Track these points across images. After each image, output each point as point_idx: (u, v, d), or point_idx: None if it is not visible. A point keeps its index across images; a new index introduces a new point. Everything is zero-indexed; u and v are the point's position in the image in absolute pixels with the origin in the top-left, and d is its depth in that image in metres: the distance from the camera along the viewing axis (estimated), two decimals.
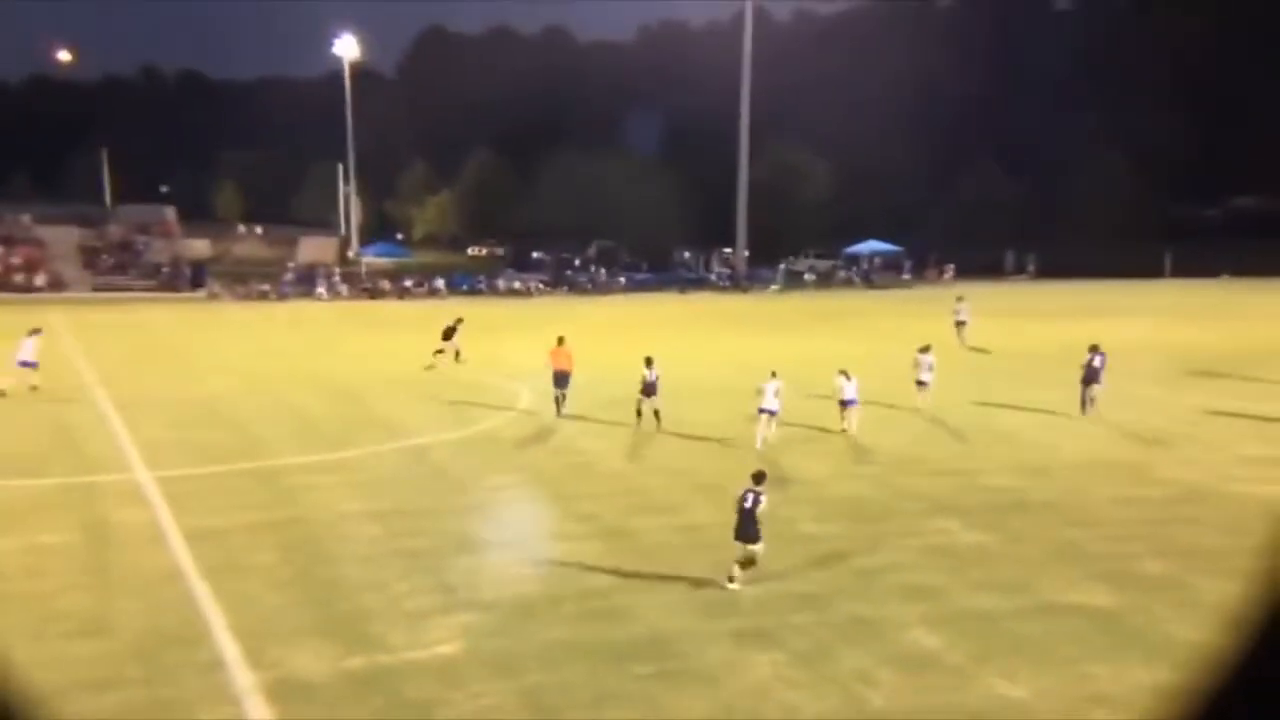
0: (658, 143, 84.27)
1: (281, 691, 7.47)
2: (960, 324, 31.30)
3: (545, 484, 14.19)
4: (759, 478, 10.21)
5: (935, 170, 74.19)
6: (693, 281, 65.84)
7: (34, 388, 21.09)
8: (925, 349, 20.31)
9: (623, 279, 64.71)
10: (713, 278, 67.85)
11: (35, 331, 22.07)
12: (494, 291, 60.51)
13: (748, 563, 9.75)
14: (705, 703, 7.19)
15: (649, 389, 18.20)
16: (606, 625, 8.75)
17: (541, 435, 17.84)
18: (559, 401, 20.10)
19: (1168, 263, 60.36)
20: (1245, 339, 27.42)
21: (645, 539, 11.43)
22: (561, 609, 9.19)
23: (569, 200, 79.99)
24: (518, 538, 11.53)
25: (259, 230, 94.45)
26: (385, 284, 60.19)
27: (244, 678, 7.68)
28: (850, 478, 14.21)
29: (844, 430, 17.59)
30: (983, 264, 69.10)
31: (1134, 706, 6.88)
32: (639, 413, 18.25)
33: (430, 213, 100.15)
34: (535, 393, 22.42)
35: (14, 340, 21.82)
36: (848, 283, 66.87)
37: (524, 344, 34.12)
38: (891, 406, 19.65)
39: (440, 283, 59.92)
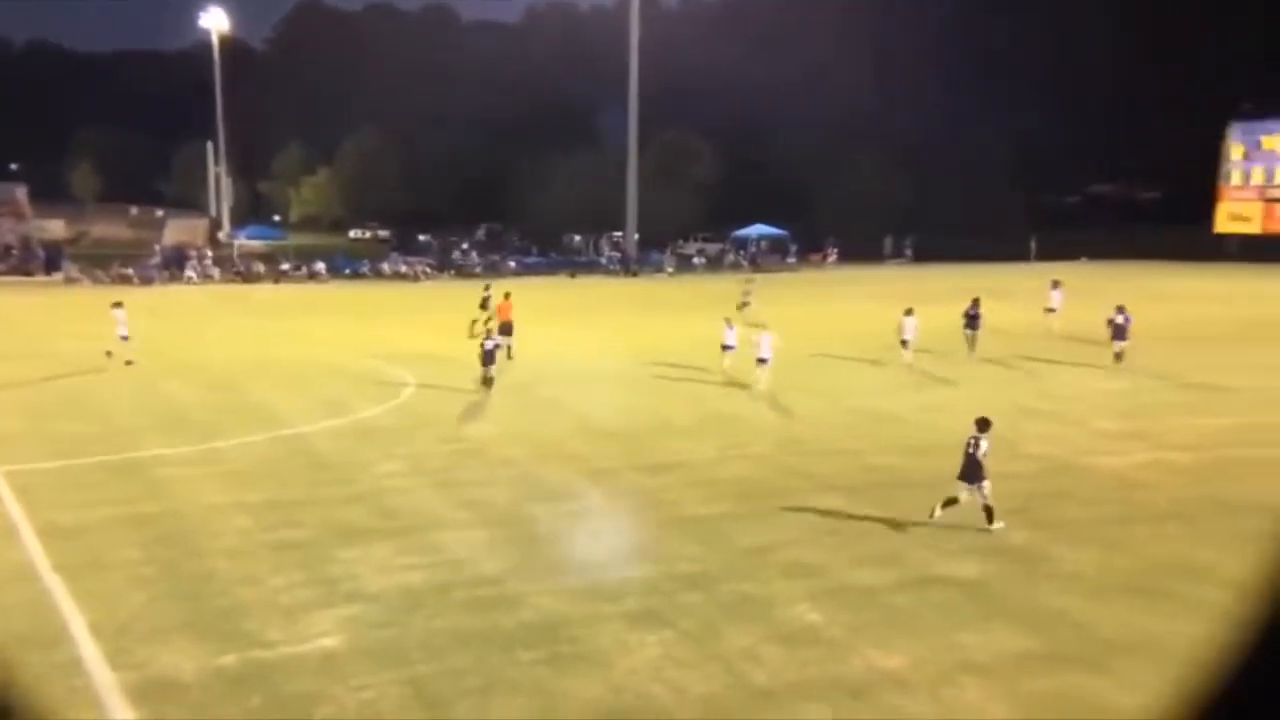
0: (548, 125, 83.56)
1: (148, 692, 7.09)
2: (744, 305, 32.89)
3: (432, 472, 13.89)
4: (983, 424, 10.98)
5: (820, 157, 75.96)
6: (583, 265, 65.71)
7: None
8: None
9: (512, 262, 64.05)
10: (603, 261, 67.86)
11: None
12: (378, 275, 58.96)
13: (952, 502, 10.75)
14: (596, 685, 7.17)
15: (488, 358, 19.86)
16: (496, 613, 8.63)
17: (428, 422, 17.46)
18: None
19: (1033, 247, 63.45)
20: (1099, 320, 29.11)
21: (537, 526, 11.34)
22: (449, 598, 9.02)
23: (456, 183, 78.51)
24: (404, 528, 11.25)
25: (124, 211, 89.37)
26: (260, 267, 57.82)
27: (106, 678, 7.25)
28: (738, 459, 14.42)
29: (755, 385, 19.52)
30: (864, 248, 71.25)
31: (1000, 672, 7.20)
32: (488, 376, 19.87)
33: (308, 194, 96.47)
34: (422, 379, 21.93)
35: None
36: (736, 266, 67.93)
37: (410, 329, 33.37)
38: (787, 388, 20.02)
39: (321, 266, 57.98)
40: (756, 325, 28.34)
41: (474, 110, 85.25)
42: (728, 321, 22.51)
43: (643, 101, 65.38)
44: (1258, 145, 61.98)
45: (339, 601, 8.93)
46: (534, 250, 69.82)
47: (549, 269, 63.21)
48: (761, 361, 19.60)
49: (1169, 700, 6.08)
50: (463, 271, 61.31)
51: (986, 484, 10.70)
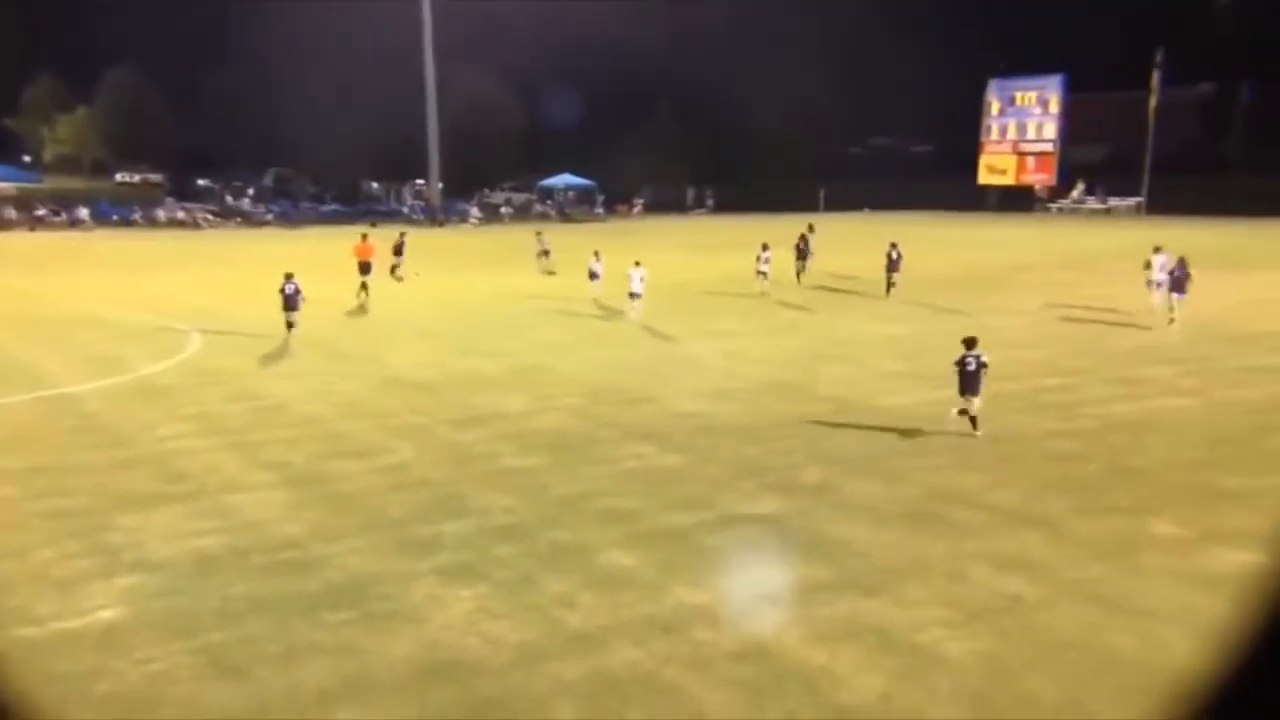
0: (340, 68, 79.02)
1: None
2: (544, 253, 34.21)
3: (225, 432, 13.08)
4: (970, 343, 12.60)
5: (624, 106, 76.26)
6: (385, 214, 63.23)
7: None
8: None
9: (306, 210, 60.67)
10: (406, 210, 65.58)
11: None
12: (153, 223, 54.29)
13: (964, 412, 12.39)
14: (408, 643, 7.06)
15: (289, 303, 20.00)
16: (299, 576, 8.29)
17: (218, 379, 16.39)
18: (365, 288, 25.40)
19: (822, 197, 66.82)
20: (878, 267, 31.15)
21: (342, 484, 10.94)
22: (247, 562, 8.57)
23: (238, 125, 73.04)
24: (194, 491, 10.55)
25: None
26: (11, 213, 51.90)
27: None
28: (550, 410, 14.46)
29: (628, 314, 22.08)
30: (667, 199, 72.65)
31: (795, 600, 7.68)
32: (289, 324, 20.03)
33: (64, 133, 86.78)
34: (210, 334, 20.51)
35: None
36: (544, 216, 67.48)
37: (193, 281, 31.01)
38: (594, 339, 20.15)
39: (84, 212, 52.71)
40: (549, 272, 29.19)
41: (255, 44, 79.34)
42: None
43: (444, 46, 63.13)
44: (1012, 101, 67.50)
45: (120, 571, 8.29)
46: (330, 198, 66.43)
47: (348, 218, 60.41)
48: (634, 295, 22.64)
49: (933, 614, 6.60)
50: (251, 220, 57.53)
51: (978, 400, 12.36)
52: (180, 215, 55.45)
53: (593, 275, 25.92)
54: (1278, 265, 29.25)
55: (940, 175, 70.50)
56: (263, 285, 21.37)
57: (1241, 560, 8.14)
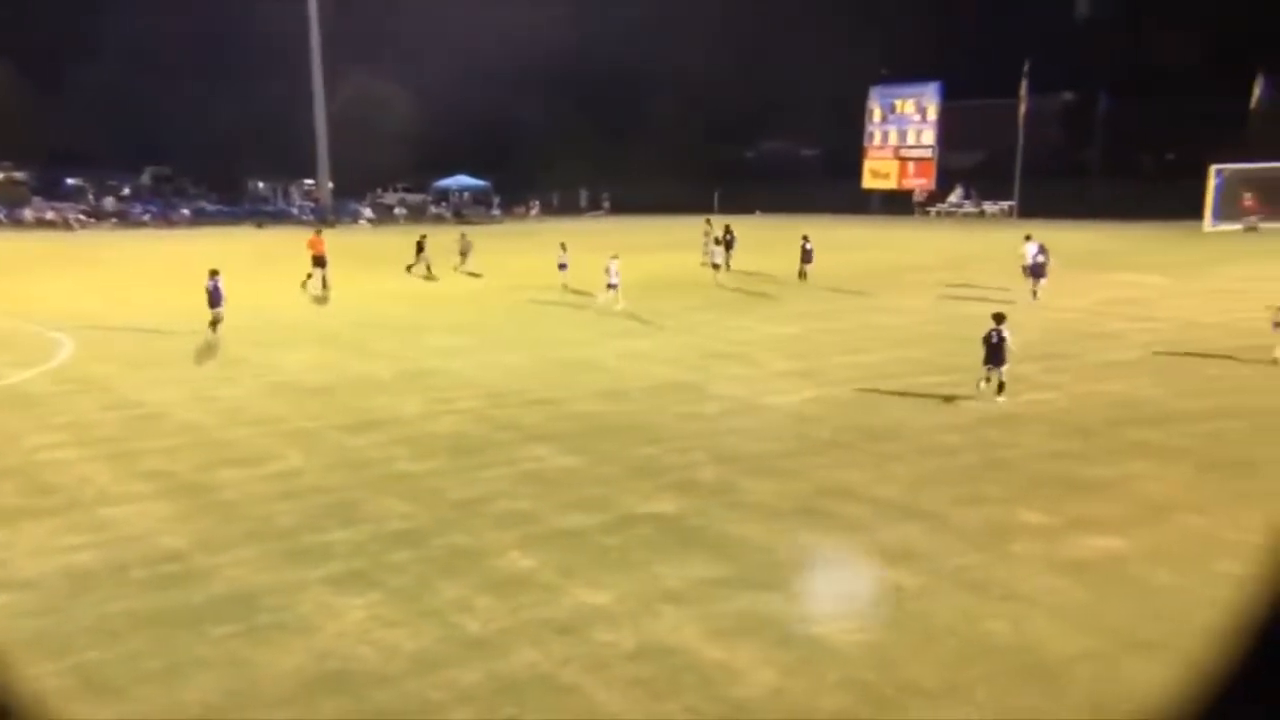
0: (223, 62, 76.02)
1: None
2: (463, 255, 35.03)
3: (99, 441, 12.48)
4: (999, 318, 14.50)
5: (521, 106, 75.72)
6: (272, 215, 61.16)
7: None
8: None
9: (187, 210, 58.20)
10: (295, 211, 63.59)
11: None
12: (18, 224, 51.22)
13: (988, 380, 14.29)
14: (297, 654, 6.90)
15: (213, 299, 20.11)
16: (182, 589, 8.00)
17: (92, 387, 15.62)
18: (322, 281, 27.69)
19: (716, 199, 67.80)
20: (782, 267, 31.87)
21: (227, 493, 10.58)
22: (126, 577, 8.22)
23: (111, 121, 69.35)
24: (66, 504, 10.04)
25: None
26: None
27: None
28: (446, 414, 14.30)
29: (613, 306, 23.85)
30: (563, 201, 72.54)
31: (694, 598, 7.83)
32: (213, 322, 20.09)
33: None
34: (82, 340, 19.51)
35: None
36: (439, 218, 66.48)
37: (65, 285, 29.39)
38: (493, 341, 20.00)
39: None
40: (474, 274, 29.29)
41: (131, 36, 75.58)
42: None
43: (332, 39, 61.47)
44: (892, 108, 69.92)
45: None
46: (213, 198, 63.88)
47: (232, 219, 58.22)
48: (612, 286, 24.53)
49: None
50: (127, 220, 54.84)
51: (1006, 367, 14.26)
52: (50, 215, 52.44)
53: (561, 266, 28.70)
54: (1135, 265, 31.17)
55: (827, 179, 72.50)
56: (140, 288, 20.41)
57: (1102, 545, 8.69)
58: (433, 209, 69.86)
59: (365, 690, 6.44)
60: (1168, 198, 47.18)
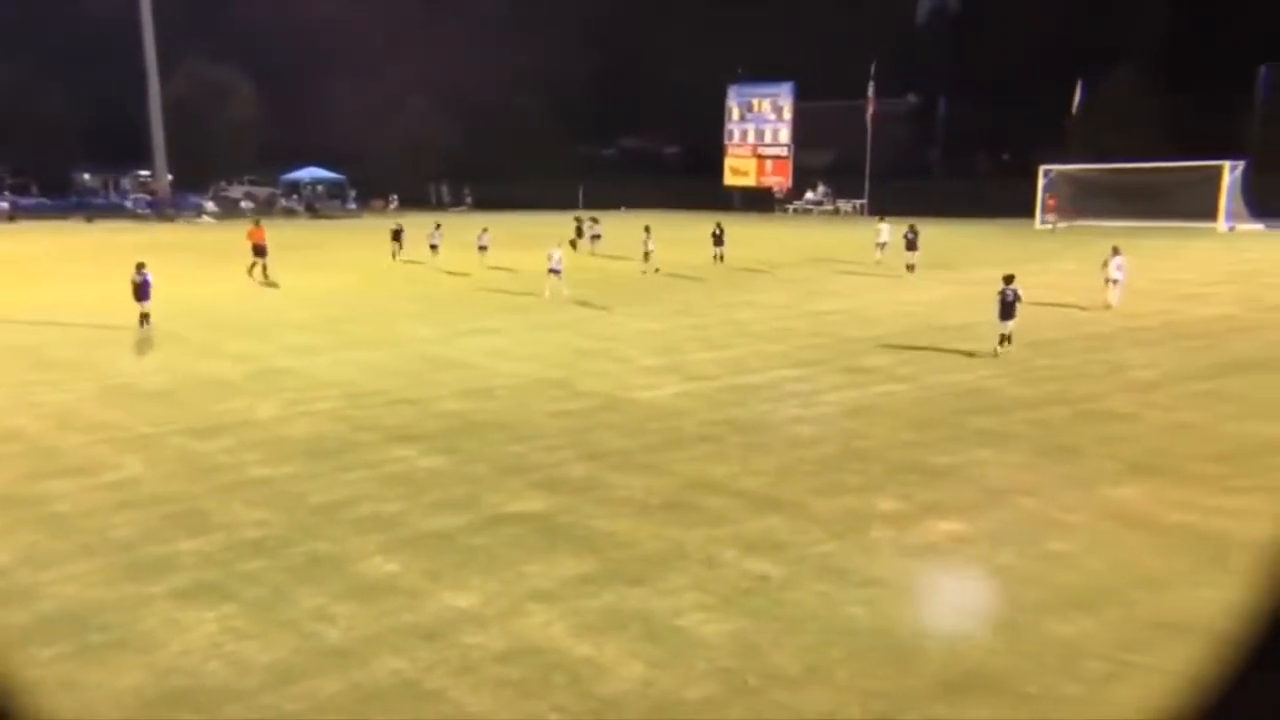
0: (44, 43, 70.51)
1: None
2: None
3: None
4: (1009, 279, 17.10)
5: (376, 97, 73.57)
6: (102, 209, 57.24)
7: None
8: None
9: (4, 204, 53.79)
10: (129, 204, 59.76)
11: None
12: None
13: (1007, 339, 16.80)
14: (137, 673, 6.47)
15: (140, 292, 20.21)
16: (3, 608, 7.37)
17: None
18: (263, 270, 29.86)
19: (581, 196, 67.88)
20: (636, 268, 32.15)
21: (57, 505, 9.83)
22: None
23: None
24: None
25: None
26: None
27: None
28: (303, 415, 13.74)
29: (560, 294, 24.81)
30: (423, 195, 70.97)
31: (562, 595, 7.80)
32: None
33: None
34: None
35: None
36: (290, 212, 63.84)
37: None
38: (353, 340, 19.33)
39: None
40: (271, 284, 28.47)
41: None
42: (484, 229, 31.00)
43: (165, 20, 57.95)
44: (750, 107, 71.71)
45: None
46: (34, 190, 59.24)
47: (58, 213, 54.15)
48: (554, 272, 25.41)
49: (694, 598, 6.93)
50: None
51: (1014, 321, 16.77)
52: None
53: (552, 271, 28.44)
54: (976, 262, 32.99)
55: (689, 176, 73.70)
56: None
57: (950, 529, 9.16)
58: (283, 203, 67.00)
59: (214, 706, 6.11)
60: (1003, 196, 50.23)
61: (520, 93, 74.82)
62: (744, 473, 11.01)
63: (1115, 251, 22.88)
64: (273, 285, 29.32)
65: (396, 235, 37.25)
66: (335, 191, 71.88)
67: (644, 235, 32.30)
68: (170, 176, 61.81)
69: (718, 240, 33.65)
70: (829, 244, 42.39)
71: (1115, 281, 22.46)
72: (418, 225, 42.47)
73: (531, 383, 15.96)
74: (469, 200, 74.61)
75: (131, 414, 13.70)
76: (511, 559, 8.56)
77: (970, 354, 17.66)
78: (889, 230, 32.94)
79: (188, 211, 58.67)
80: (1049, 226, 47.56)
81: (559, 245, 26.61)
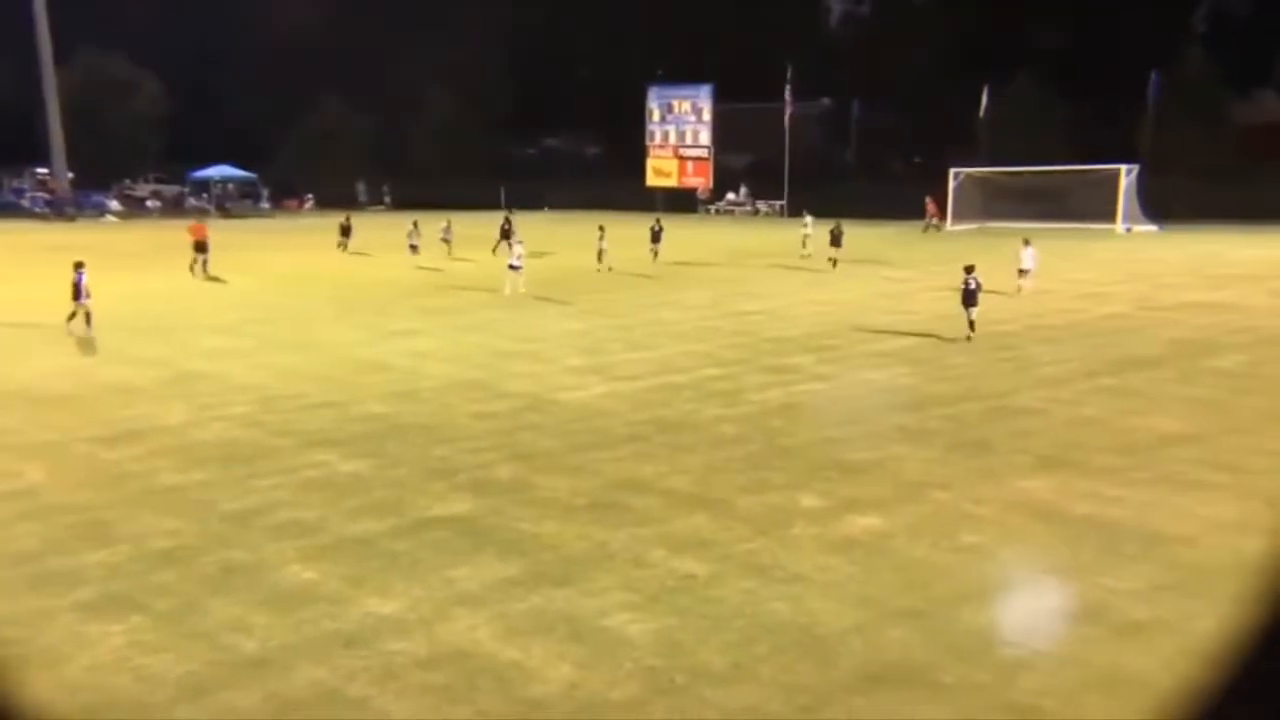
0: None
1: None
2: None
3: None
4: (970, 269, 18.67)
5: (283, 97, 71.67)
6: None
7: None
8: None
9: None
10: (24, 203, 57.10)
11: None
12: None
13: (972, 325, 18.37)
14: (41, 689, 6.22)
15: (78, 292, 19.75)
16: None
17: None
18: (204, 265, 29.87)
19: (503, 195, 67.34)
20: (560, 268, 32.09)
21: None
22: None
23: None
24: None
25: None
26: None
27: None
28: (216, 420, 13.33)
29: (516, 289, 25.11)
30: (338, 194, 69.48)
31: (488, 599, 7.75)
32: None
33: None
34: None
35: None
36: (201, 212, 61.90)
37: None
38: (269, 342, 18.82)
39: None
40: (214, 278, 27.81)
41: None
42: (512, 244, 27.69)
43: (61, 10, 55.50)
44: (670, 108, 72.12)
45: None
46: None
47: None
48: (514, 268, 25.55)
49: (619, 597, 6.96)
50: None
51: (976, 309, 18.39)
52: None
53: (413, 249, 30.08)
54: (891, 261, 33.86)
55: (611, 176, 73.76)
56: None
57: (869, 524, 9.38)
58: (192, 202, 64.85)
59: None
60: (916, 198, 51.53)
61: (438, 90, 73.84)
62: (670, 472, 11.08)
63: (1026, 243, 25.29)
64: (216, 280, 29.35)
65: (345, 230, 38.42)
66: (247, 190, 69.81)
67: (599, 234, 32.34)
68: (71, 174, 59.23)
69: (655, 237, 34.18)
70: (750, 244, 42.94)
71: (1026, 271, 24.92)
72: (321, 228, 41.65)
73: (455, 384, 15.78)
74: (388, 200, 73.33)
75: (29, 421, 13.11)
76: (436, 563, 8.46)
77: (886, 352, 18.11)
78: (814, 223, 35.45)
79: (90, 211, 56.33)
80: (934, 226, 49.01)
81: (520, 242, 26.77)
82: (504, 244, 32.28)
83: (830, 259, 31.84)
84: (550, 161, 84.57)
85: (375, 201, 73.71)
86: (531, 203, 64.71)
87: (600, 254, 31.87)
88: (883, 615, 7.38)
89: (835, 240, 32.20)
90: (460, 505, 9.98)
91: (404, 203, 68.62)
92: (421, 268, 32.84)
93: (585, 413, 13.90)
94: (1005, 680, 6.42)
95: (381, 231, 43.15)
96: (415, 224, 35.93)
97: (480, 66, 73.35)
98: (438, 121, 75.19)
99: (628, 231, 35.67)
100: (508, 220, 36.18)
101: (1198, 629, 6.89)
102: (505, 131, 78.19)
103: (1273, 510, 9.44)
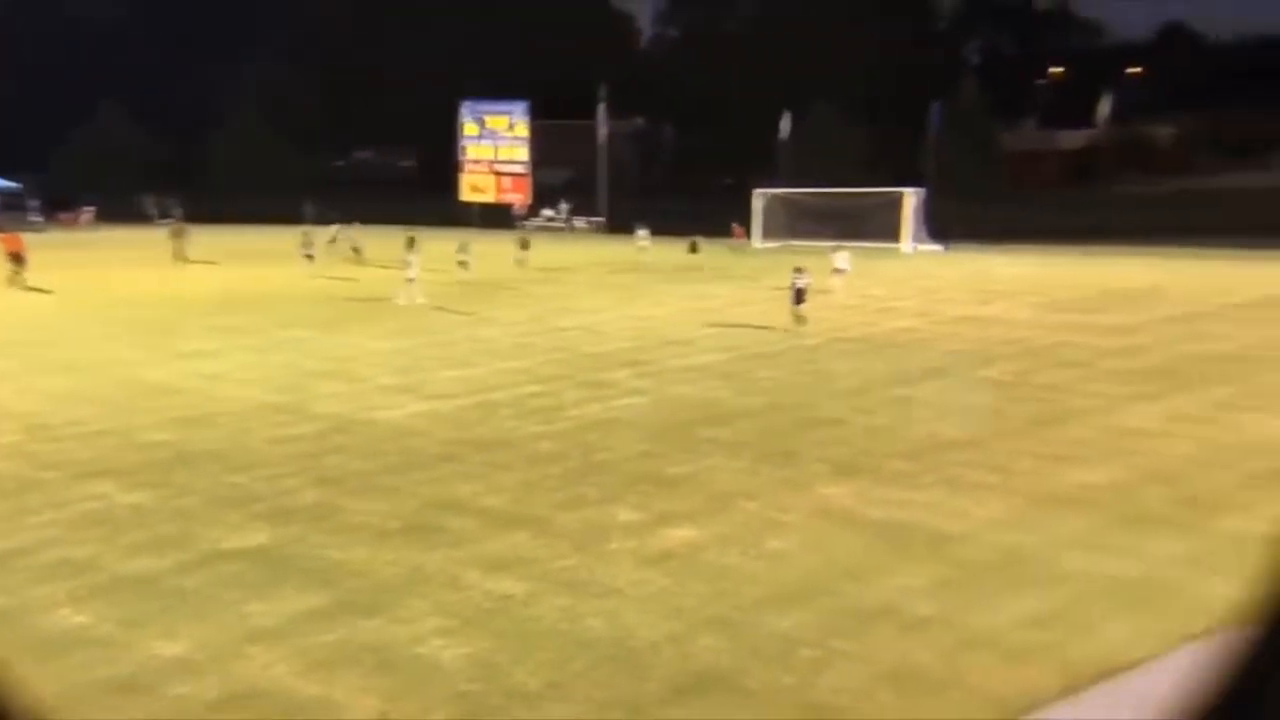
0: None
1: None
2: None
3: None
4: (800, 270, 21.04)
5: (58, 105, 65.84)
6: None
7: None
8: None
9: None
10: None
11: None
12: None
13: (801, 319, 20.77)
14: None
15: None
16: None
17: None
18: (19, 276, 29.06)
19: (308, 210, 64.54)
20: (370, 283, 31.10)
21: None
22: None
23: None
24: None
25: None
26: None
27: None
28: None
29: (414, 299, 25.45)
30: (122, 209, 64.48)
31: (288, 633, 7.32)
32: None
33: None
34: None
35: None
36: (14, 222, 55.74)
37: None
38: (39, 366, 17.10)
39: None
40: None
41: None
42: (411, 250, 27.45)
43: None
44: (485, 124, 71.64)
45: None
46: None
47: None
48: (410, 280, 26.02)
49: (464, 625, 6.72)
50: None
51: (805, 305, 20.93)
52: None
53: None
54: (703, 278, 34.87)
55: (425, 191, 72.33)
56: None
57: (683, 536, 9.57)
58: None
59: None
60: (728, 216, 53.47)
61: (237, 101, 70.08)
62: (487, 491, 10.90)
63: (838, 248, 29.59)
64: (39, 291, 28.72)
65: (178, 234, 39.09)
66: (12, 201, 63.38)
67: (461, 246, 33.41)
68: None
69: (524, 244, 36.88)
70: (567, 260, 43.16)
71: (841, 271, 28.36)
72: (104, 244, 38.63)
73: (254, 408, 14.91)
74: (178, 214, 68.70)
75: None
76: (229, 599, 7.92)
77: (699, 366, 18.62)
78: (647, 235, 38.74)
79: None
80: (741, 245, 51.34)
81: (416, 254, 27.03)
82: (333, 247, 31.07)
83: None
84: (362, 175, 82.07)
85: (164, 216, 68.91)
86: (340, 217, 62.39)
87: (462, 263, 32.76)
88: (694, 625, 7.53)
89: (693, 249, 37.03)
90: (258, 536, 9.40)
91: (199, 218, 64.55)
92: (223, 285, 30.92)
93: (398, 433, 13.47)
94: (805, 681, 6.70)
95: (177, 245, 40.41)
96: (306, 233, 36.09)
97: (285, 78, 70.26)
98: (237, 134, 71.39)
99: (443, 247, 34.97)
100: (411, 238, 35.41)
101: (970, 621, 7.48)
102: (312, 144, 75.19)
103: (1033, 506, 10.38)
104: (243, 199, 63.12)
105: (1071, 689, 6.44)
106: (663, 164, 74.75)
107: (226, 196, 64.68)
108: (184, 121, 69.06)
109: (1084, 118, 70.06)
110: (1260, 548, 8.61)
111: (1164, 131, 78.73)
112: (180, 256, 38.69)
